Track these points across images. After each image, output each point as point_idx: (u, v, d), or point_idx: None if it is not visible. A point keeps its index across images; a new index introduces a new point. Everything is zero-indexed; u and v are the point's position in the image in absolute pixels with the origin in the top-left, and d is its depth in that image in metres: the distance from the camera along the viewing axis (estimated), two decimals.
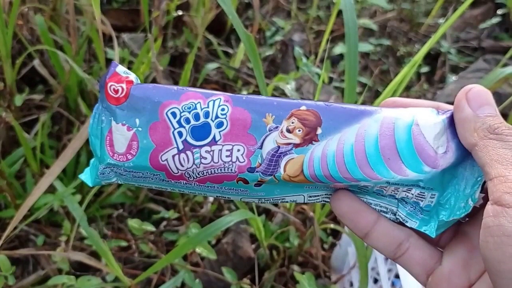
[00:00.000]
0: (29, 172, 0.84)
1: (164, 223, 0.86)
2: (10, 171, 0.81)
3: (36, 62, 0.92)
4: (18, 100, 0.85)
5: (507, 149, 0.27)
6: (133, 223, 0.75)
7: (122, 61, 0.98)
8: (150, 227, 0.76)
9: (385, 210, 0.34)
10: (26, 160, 0.83)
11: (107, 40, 1.09)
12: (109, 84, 0.33)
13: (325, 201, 0.35)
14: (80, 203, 0.69)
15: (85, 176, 0.35)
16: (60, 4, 0.96)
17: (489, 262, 0.25)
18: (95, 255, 0.72)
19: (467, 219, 0.33)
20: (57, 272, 0.76)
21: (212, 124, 0.32)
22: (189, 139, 0.32)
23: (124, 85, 0.33)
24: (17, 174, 0.85)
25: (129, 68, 0.71)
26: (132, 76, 0.34)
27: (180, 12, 1.14)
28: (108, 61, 0.99)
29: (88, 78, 0.83)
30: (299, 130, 0.31)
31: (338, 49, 1.34)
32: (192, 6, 1.15)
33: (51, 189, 0.73)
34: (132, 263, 0.82)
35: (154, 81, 0.94)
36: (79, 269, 0.77)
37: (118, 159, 0.33)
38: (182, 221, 0.86)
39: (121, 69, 0.34)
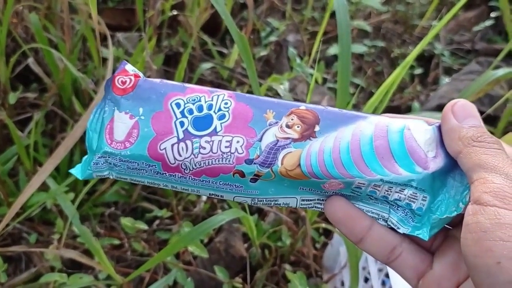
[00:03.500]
0: (22, 170, 0.84)
1: (157, 221, 0.87)
2: (3, 169, 0.81)
3: (31, 61, 0.92)
4: (12, 98, 0.85)
5: (489, 155, 0.29)
6: (126, 221, 0.76)
7: (116, 60, 0.99)
8: (143, 226, 0.77)
9: (376, 216, 0.34)
10: (20, 158, 0.83)
11: (102, 39, 1.10)
12: (117, 77, 0.34)
13: (317, 208, 0.35)
14: (73, 201, 0.70)
15: (76, 171, 0.35)
16: (54, 3, 0.96)
17: (467, 257, 0.27)
18: (87, 253, 0.72)
19: (451, 228, 0.34)
20: (50, 270, 0.76)
21: (215, 116, 0.33)
22: (190, 129, 0.33)
23: (132, 77, 0.34)
24: (10, 172, 0.85)
25: None
26: (140, 74, 0.35)
27: (175, 12, 1.14)
28: (103, 60, 0.99)
29: (82, 77, 0.83)
30: (298, 127, 0.33)
31: (332, 50, 1.35)
32: (187, 6, 1.15)
33: (44, 187, 0.73)
34: (124, 262, 0.82)
35: None
36: (71, 267, 0.77)
37: (115, 147, 0.33)
38: (175, 220, 0.87)
39: (130, 67, 0.35)
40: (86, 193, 0.71)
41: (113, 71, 0.61)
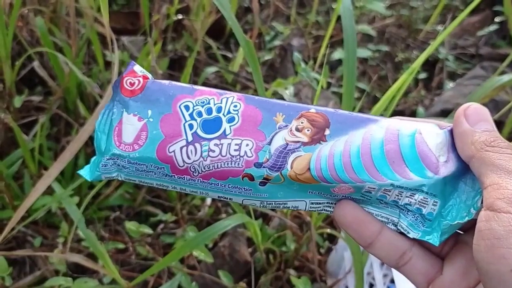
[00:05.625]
0: (27, 174, 0.84)
1: (161, 225, 0.87)
2: (8, 172, 0.81)
3: (36, 64, 0.92)
4: (17, 101, 0.86)
5: (502, 160, 0.28)
6: (131, 225, 0.76)
7: (121, 64, 0.99)
8: (147, 230, 0.77)
9: (386, 220, 0.34)
10: (25, 162, 0.83)
11: (107, 43, 1.10)
12: (125, 79, 0.34)
13: (326, 211, 0.35)
14: (78, 205, 0.70)
15: (84, 172, 0.35)
16: (60, 6, 0.96)
17: (480, 263, 0.27)
18: (92, 257, 0.72)
19: (462, 233, 0.34)
20: (54, 274, 0.76)
21: (224, 119, 0.33)
22: (199, 132, 0.33)
23: (140, 79, 0.34)
24: (15, 175, 0.85)
25: None
26: (149, 75, 0.35)
27: (180, 16, 1.15)
28: (108, 64, 0.99)
29: (88, 81, 0.83)
30: (307, 130, 0.32)
31: (337, 54, 1.34)
32: (192, 10, 1.15)
33: (49, 191, 0.73)
34: (129, 266, 0.82)
35: None
36: (76, 271, 0.77)
37: (124, 149, 0.33)
38: (179, 224, 0.86)
39: (138, 68, 0.35)
40: (91, 197, 0.70)
41: (119, 74, 0.61)
